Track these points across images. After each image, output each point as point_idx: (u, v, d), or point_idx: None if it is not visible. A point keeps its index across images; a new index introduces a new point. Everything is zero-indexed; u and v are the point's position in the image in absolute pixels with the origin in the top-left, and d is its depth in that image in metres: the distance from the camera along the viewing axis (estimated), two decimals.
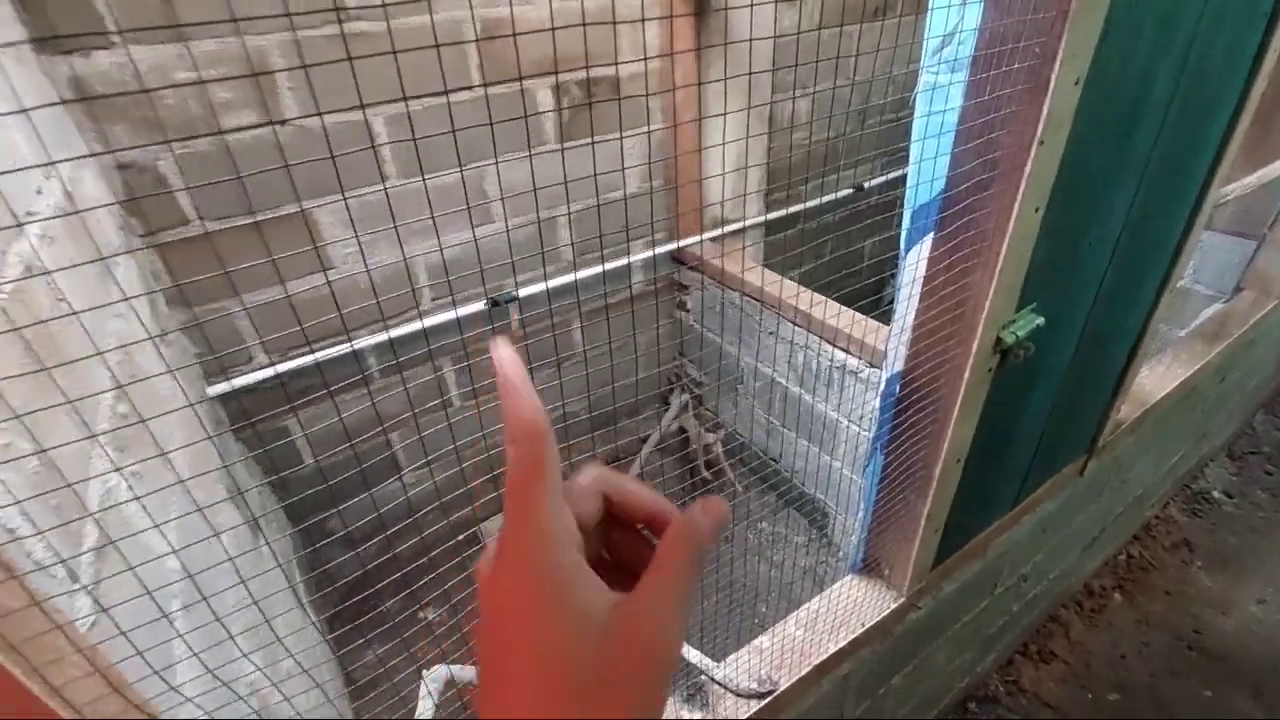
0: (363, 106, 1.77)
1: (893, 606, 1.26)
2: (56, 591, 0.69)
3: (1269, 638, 2.26)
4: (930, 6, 0.72)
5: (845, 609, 1.25)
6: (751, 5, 2.06)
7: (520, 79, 2.02)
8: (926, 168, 0.79)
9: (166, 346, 1.62)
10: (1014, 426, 1.23)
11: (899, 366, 1.04)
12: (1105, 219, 1.02)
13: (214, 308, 1.82)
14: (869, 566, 1.31)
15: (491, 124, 0.72)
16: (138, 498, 0.78)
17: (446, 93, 1.88)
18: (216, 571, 1.04)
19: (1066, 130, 0.79)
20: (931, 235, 0.89)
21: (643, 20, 2.12)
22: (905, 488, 1.15)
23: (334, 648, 1.97)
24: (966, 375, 0.96)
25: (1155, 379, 1.83)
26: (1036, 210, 0.84)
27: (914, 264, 0.89)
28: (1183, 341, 2.02)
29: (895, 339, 1.01)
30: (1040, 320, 0.99)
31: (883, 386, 1.07)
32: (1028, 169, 0.78)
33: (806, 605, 1.25)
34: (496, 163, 2.04)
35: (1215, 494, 2.81)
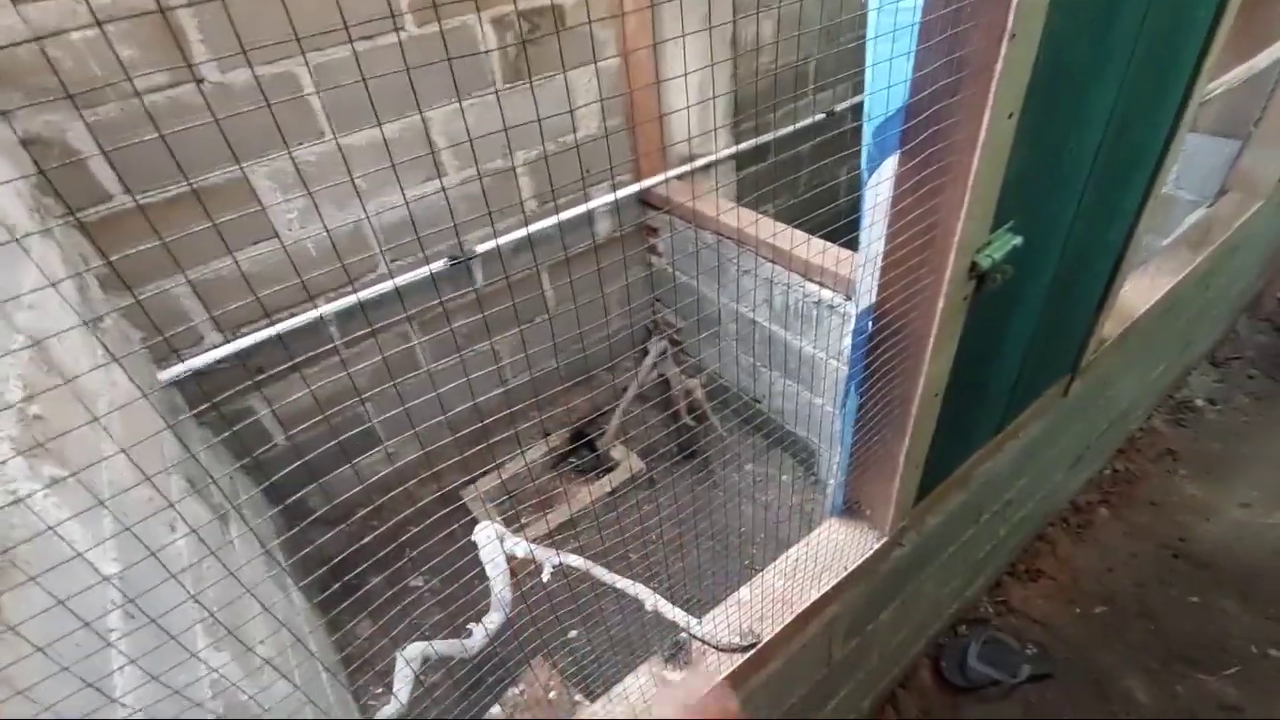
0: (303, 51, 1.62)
1: (876, 547, 1.22)
2: None
3: (1253, 541, 2.28)
4: None
5: (828, 553, 1.22)
6: None
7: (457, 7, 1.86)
8: (884, 71, 0.70)
9: (101, 334, 1.52)
10: (994, 354, 1.18)
11: (869, 300, 0.97)
12: (1086, 123, 0.94)
13: (154, 288, 1.71)
14: (850, 509, 1.28)
15: (451, 62, 0.62)
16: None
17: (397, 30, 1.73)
18: (172, 584, 0.98)
19: (1041, 20, 0.70)
20: (897, 153, 0.80)
21: None
22: (882, 427, 1.10)
23: (326, 630, 1.95)
24: (940, 305, 0.89)
25: (1139, 292, 1.78)
26: (1010, 116, 0.75)
27: (878, 185, 0.81)
28: (1166, 250, 1.96)
29: (863, 270, 0.94)
30: (1018, 240, 0.91)
31: (853, 323, 1.00)
32: (998, 68, 0.69)
33: (786, 554, 1.21)
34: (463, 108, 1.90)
35: (1199, 402, 2.81)
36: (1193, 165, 2.35)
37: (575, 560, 1.24)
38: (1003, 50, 0.68)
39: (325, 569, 1.94)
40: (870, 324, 0.99)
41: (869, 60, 0.70)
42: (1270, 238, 2.69)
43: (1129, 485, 2.52)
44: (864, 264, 0.91)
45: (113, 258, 1.64)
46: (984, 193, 0.81)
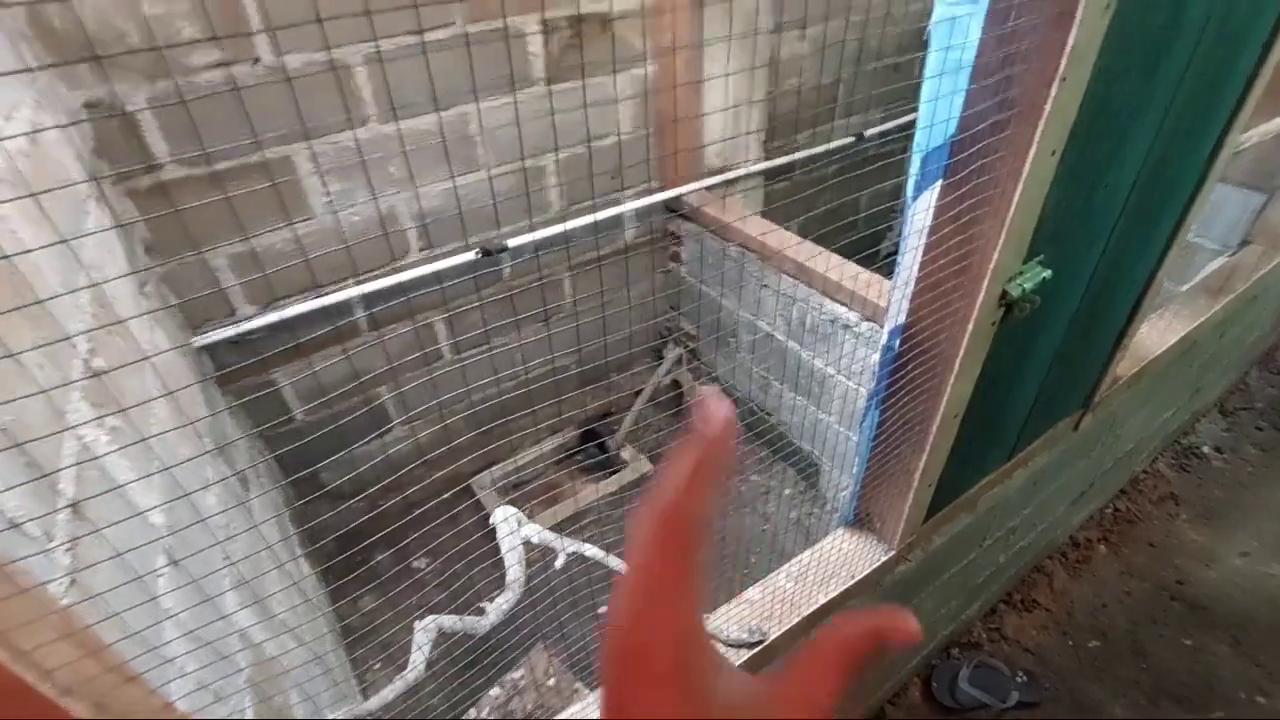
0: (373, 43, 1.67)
1: (882, 559, 1.25)
2: (27, 552, 0.66)
3: (1250, 589, 2.30)
4: None
5: (836, 561, 1.25)
6: None
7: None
8: (940, 107, 0.74)
9: (145, 298, 1.57)
10: (1013, 382, 1.21)
11: (900, 320, 1.01)
12: (1123, 163, 0.97)
13: (193, 258, 1.76)
14: (860, 520, 1.31)
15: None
16: (123, 448, 0.75)
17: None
18: (204, 529, 1.02)
19: (1091, 64, 0.73)
20: (940, 182, 0.84)
21: None
22: (901, 443, 1.13)
23: (329, 599, 1.98)
24: (970, 330, 0.93)
25: (1155, 334, 1.81)
26: (1053, 154, 0.79)
27: (922, 212, 0.85)
28: (1185, 296, 1.99)
29: (898, 292, 0.98)
30: (1048, 273, 0.95)
31: (884, 340, 1.03)
32: (1047, 108, 0.72)
33: (797, 558, 1.25)
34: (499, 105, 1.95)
35: (1205, 449, 2.83)
36: (1217, 215, 2.38)
37: (590, 549, 1.28)
38: (1053, 92, 0.71)
39: (331, 540, 1.98)
40: (898, 343, 1.03)
41: (923, 95, 0.74)
42: None
43: (1129, 525, 2.54)
44: (901, 285, 0.94)
45: (157, 227, 1.69)
46: (1021, 225, 0.85)
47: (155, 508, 0.96)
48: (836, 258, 2.06)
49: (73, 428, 0.84)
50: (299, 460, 2.03)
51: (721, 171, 2.45)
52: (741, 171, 2.48)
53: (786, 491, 2.65)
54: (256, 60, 1.66)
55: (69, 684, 0.46)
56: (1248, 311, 2.29)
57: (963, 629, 2.19)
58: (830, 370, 2.17)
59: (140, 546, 0.80)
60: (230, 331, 1.81)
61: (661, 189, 2.44)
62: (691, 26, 2.10)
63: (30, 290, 0.85)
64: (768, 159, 2.63)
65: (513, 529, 1.30)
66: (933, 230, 0.88)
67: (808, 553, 1.25)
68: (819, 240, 2.05)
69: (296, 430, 2.09)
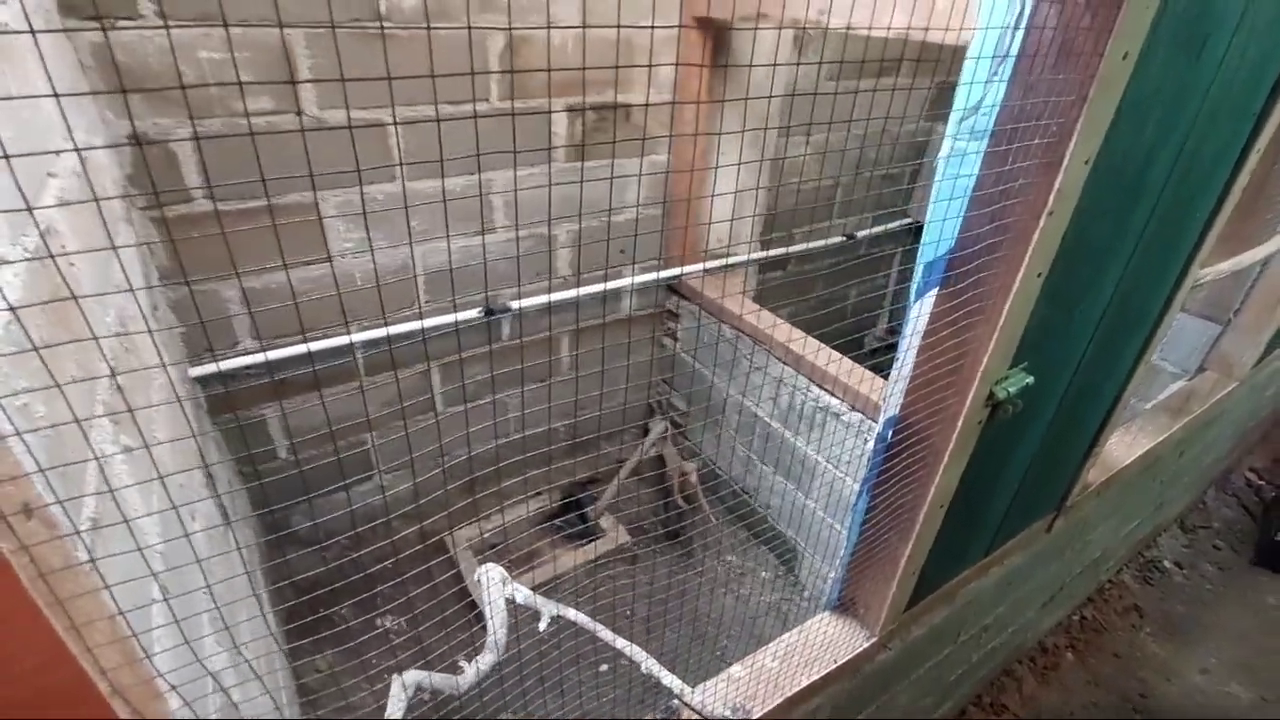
0: (393, 114, 1.79)
1: (864, 645, 1.28)
2: (77, 560, 0.68)
3: (1209, 707, 2.33)
4: (960, 81, 0.77)
5: (819, 644, 1.27)
6: (774, 66, 2.15)
7: (547, 98, 2.05)
8: (939, 227, 0.84)
9: (156, 323, 1.60)
10: (996, 478, 1.28)
11: (895, 411, 1.08)
12: (1099, 289, 1.08)
13: (207, 288, 1.80)
14: (844, 605, 1.34)
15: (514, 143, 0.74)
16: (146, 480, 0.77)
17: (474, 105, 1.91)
18: (191, 557, 1.02)
19: (1074, 204, 0.84)
20: (938, 289, 0.93)
21: (651, 66, 2.19)
22: (889, 529, 1.18)
23: (288, 653, 1.92)
24: (959, 425, 1.00)
25: (1123, 447, 1.91)
26: (1039, 275, 0.89)
27: (919, 315, 0.94)
28: (1148, 414, 2.11)
29: (894, 384, 1.05)
30: (1030, 379, 1.04)
31: (879, 429, 1.10)
32: (1036, 236, 0.82)
33: (781, 639, 1.26)
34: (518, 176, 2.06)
35: (1166, 564, 2.91)
36: (1177, 341, 2.55)
37: (575, 614, 1.28)
38: (1041, 223, 0.82)
39: (295, 583, 1.93)
40: (891, 433, 1.09)
41: (930, 215, 0.84)
42: (1242, 417, 2.88)
43: (1096, 634, 2.58)
44: (897, 378, 1.02)
45: (180, 256, 1.74)
46: (1009, 334, 0.94)
47: (158, 542, 0.97)
48: (827, 348, 2.16)
49: (99, 457, 0.86)
50: (274, 497, 2.02)
51: (720, 256, 2.58)
52: (740, 259, 2.61)
53: (764, 574, 2.66)
54: (300, 112, 1.76)
55: (119, 686, 0.48)
56: (1205, 433, 2.42)
57: None
58: (816, 456, 2.23)
59: (140, 578, 0.81)
60: (227, 364, 1.83)
61: (665, 267, 2.56)
62: (708, 123, 2.27)
63: (63, 316, 0.88)
64: (764, 248, 2.77)
65: (497, 587, 1.30)
66: (928, 333, 0.97)
67: (792, 634, 1.27)
68: (805, 329, 2.15)
69: (277, 467, 2.08)
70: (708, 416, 2.75)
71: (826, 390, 2.11)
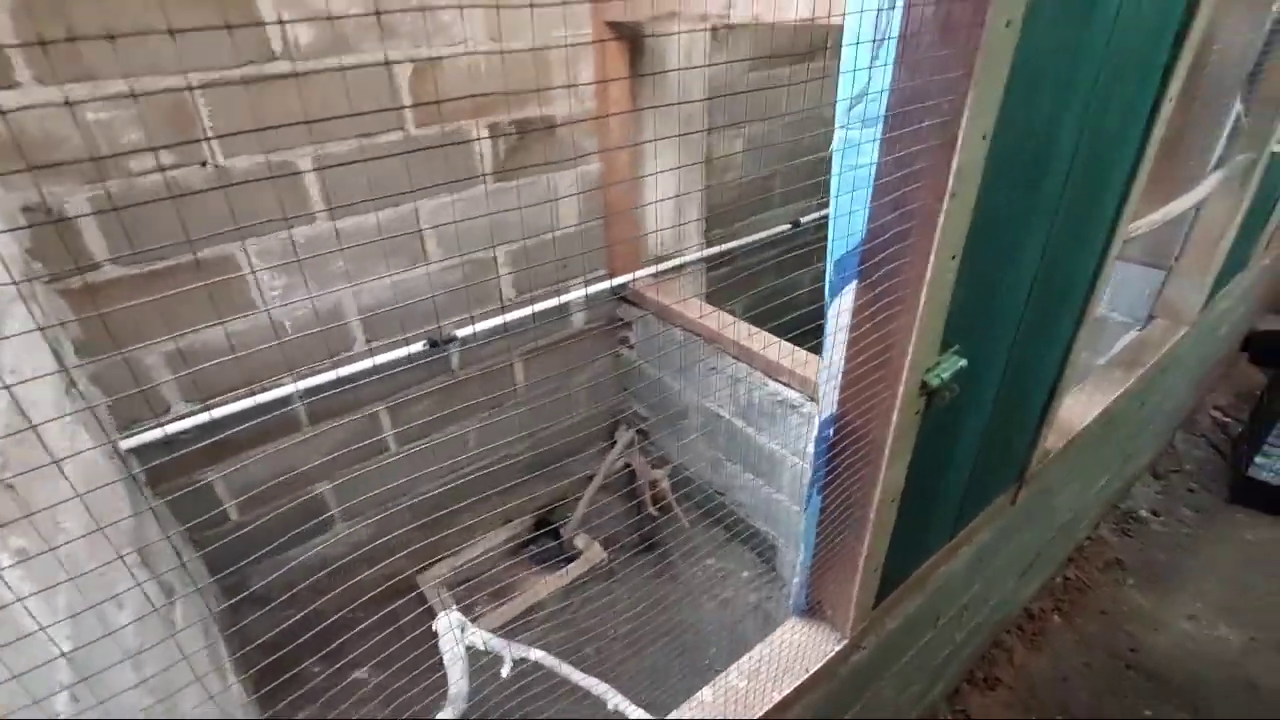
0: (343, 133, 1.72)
1: (836, 649, 1.24)
2: None
3: (1200, 654, 2.34)
4: (840, 69, 0.74)
5: (789, 655, 1.23)
6: (679, 72, 2.11)
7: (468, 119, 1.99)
8: (844, 222, 0.80)
9: (71, 400, 1.51)
10: (946, 463, 1.25)
11: (831, 410, 1.04)
12: (1019, 262, 1.06)
13: (128, 356, 1.71)
14: (812, 609, 1.30)
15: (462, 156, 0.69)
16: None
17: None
18: (114, 644, 0.95)
19: (977, 182, 0.81)
20: (855, 283, 0.90)
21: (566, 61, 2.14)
22: (843, 529, 1.15)
23: (259, 710, 1.84)
24: (895, 418, 0.97)
25: (1079, 408, 1.90)
26: (953, 258, 0.86)
27: (837, 314, 0.90)
28: (1102, 370, 2.11)
29: (827, 384, 1.02)
30: (963, 362, 1.01)
31: (816, 430, 1.07)
32: (941, 220, 0.79)
33: (749, 654, 1.22)
34: (455, 198, 2.00)
35: (1142, 513, 2.93)
36: (1124, 291, 2.56)
37: (538, 655, 1.23)
38: (944, 206, 0.78)
39: (259, 646, 1.86)
40: (832, 432, 1.06)
41: (831, 211, 0.81)
42: (1197, 360, 2.91)
43: (1080, 594, 2.58)
44: (828, 378, 0.99)
45: (91, 328, 1.65)
46: (931, 321, 0.91)
47: (67, 652, 0.89)
48: (774, 339, 2.13)
49: None
50: (231, 560, 1.93)
51: (664, 260, 2.54)
52: (684, 259, 2.58)
53: (745, 574, 2.62)
54: (204, 163, 1.69)
55: None
56: (1161, 381, 2.44)
57: (928, 712, 2.15)
58: (779, 449, 2.20)
59: (39, 666, 0.74)
60: (160, 432, 1.74)
61: (609, 276, 2.51)
62: (633, 128, 2.23)
63: None
64: (709, 246, 2.74)
65: (456, 638, 1.25)
66: (852, 328, 0.93)
67: (759, 648, 1.23)
68: (760, 321, 2.12)
69: (230, 528, 2.00)
70: (671, 420, 2.71)
71: (781, 382, 2.09)
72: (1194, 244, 2.28)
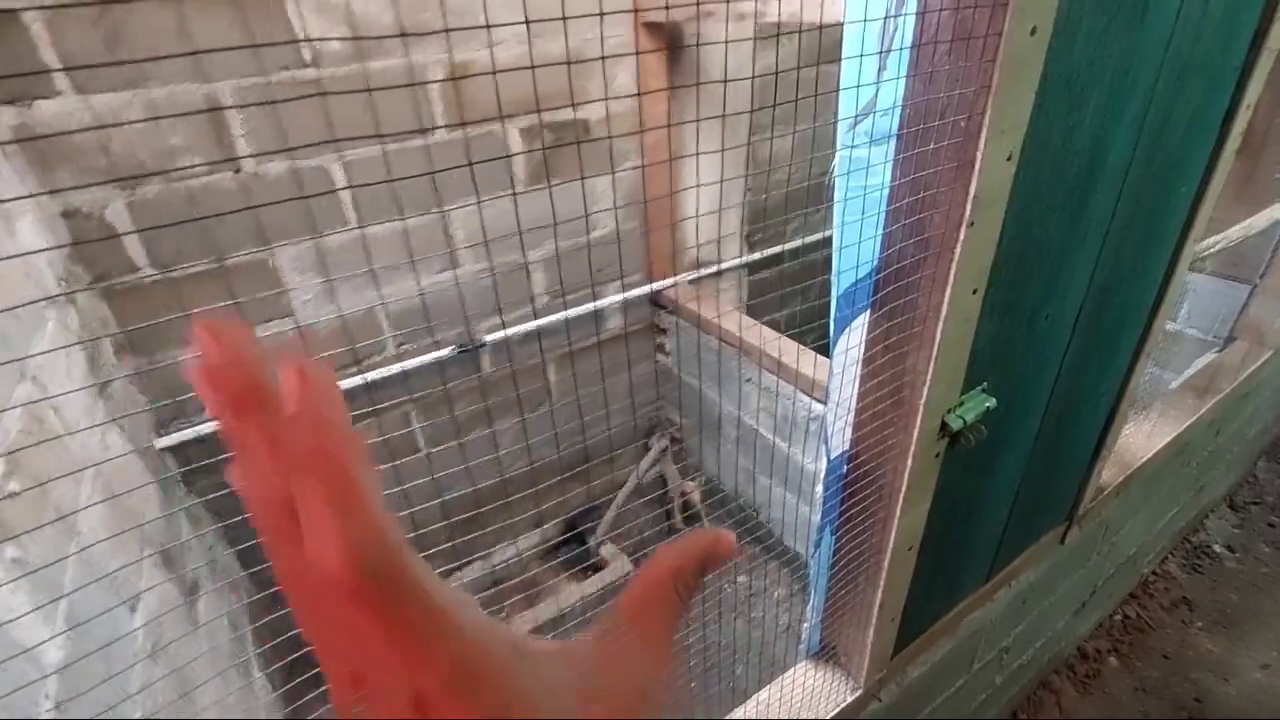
0: (336, 140, 1.73)
1: (850, 698, 1.16)
2: None
3: (1275, 708, 2.12)
4: (839, 86, 0.66)
5: (799, 699, 1.15)
6: (726, 42, 2.03)
7: (500, 117, 1.98)
8: (852, 253, 0.72)
9: (106, 400, 1.56)
10: (977, 505, 1.15)
11: (844, 448, 0.96)
12: (1062, 292, 0.95)
13: (165, 356, 1.77)
14: (826, 652, 1.22)
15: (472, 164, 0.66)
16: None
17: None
18: (124, 645, 0.96)
19: (1001, 209, 0.72)
20: (866, 316, 0.82)
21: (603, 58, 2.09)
22: (858, 574, 1.07)
23: (283, 704, 1.88)
24: (910, 462, 0.88)
25: (1142, 438, 1.74)
26: (974, 292, 0.77)
27: (844, 352, 0.82)
28: (1170, 397, 1.93)
29: (839, 421, 0.94)
30: (991, 402, 0.91)
31: (827, 465, 0.99)
32: (958, 251, 0.71)
33: (756, 696, 1.15)
34: (479, 203, 1.99)
35: (1216, 548, 2.69)
36: (1202, 305, 2.35)
37: None
38: (962, 235, 0.70)
39: (291, 646, 1.88)
40: (845, 470, 0.98)
41: (835, 242, 0.73)
42: None
43: (1140, 634, 2.38)
44: (839, 415, 0.91)
45: (130, 328, 1.71)
46: (951, 358, 0.82)
47: (56, 663, 0.90)
48: (813, 354, 2.03)
49: None
50: (264, 558, 1.97)
51: (703, 266, 2.47)
52: (725, 265, 2.50)
53: (777, 593, 2.53)
54: (239, 170, 1.71)
55: None
56: (1242, 407, 2.22)
57: None
58: (816, 467, 2.11)
59: (28, 684, 0.75)
60: (193, 431, 1.79)
61: (648, 281, 2.46)
62: (675, 132, 2.16)
63: None
64: (752, 252, 2.65)
65: None
66: (866, 361, 0.85)
67: (768, 690, 1.16)
68: (804, 333, 2.03)
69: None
70: (705, 431, 2.64)
71: (817, 400, 1.99)
72: None
